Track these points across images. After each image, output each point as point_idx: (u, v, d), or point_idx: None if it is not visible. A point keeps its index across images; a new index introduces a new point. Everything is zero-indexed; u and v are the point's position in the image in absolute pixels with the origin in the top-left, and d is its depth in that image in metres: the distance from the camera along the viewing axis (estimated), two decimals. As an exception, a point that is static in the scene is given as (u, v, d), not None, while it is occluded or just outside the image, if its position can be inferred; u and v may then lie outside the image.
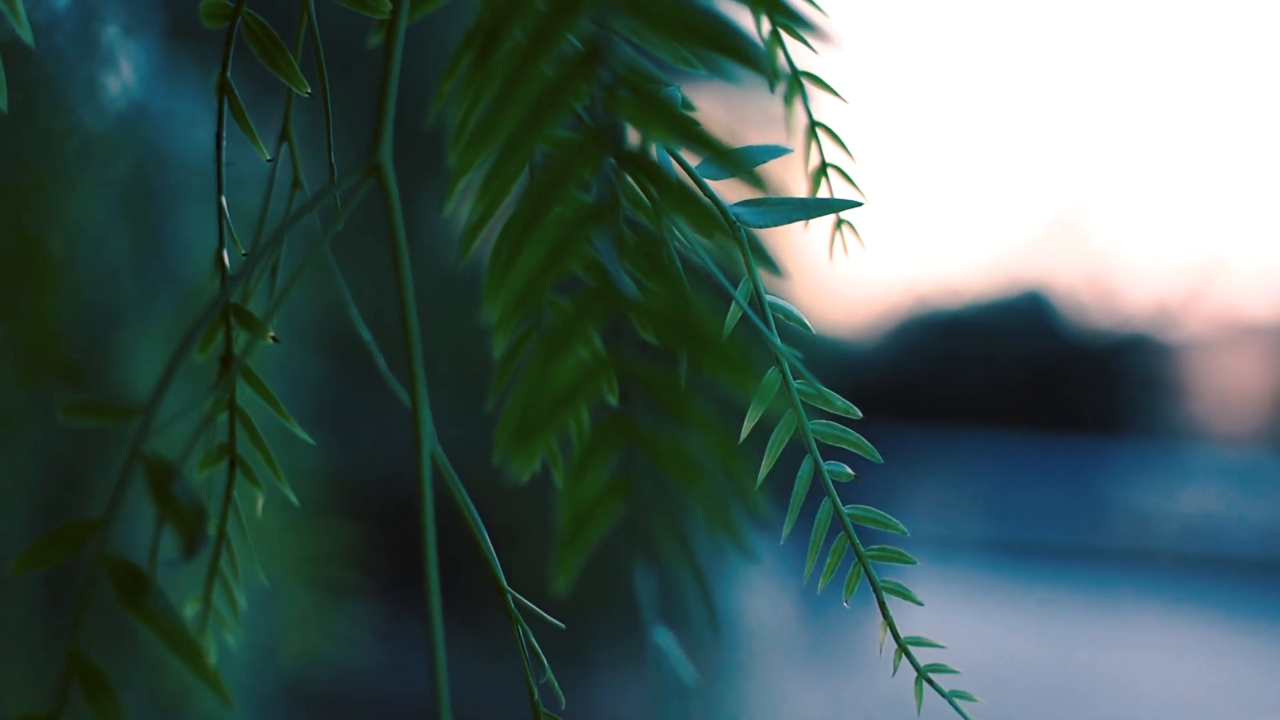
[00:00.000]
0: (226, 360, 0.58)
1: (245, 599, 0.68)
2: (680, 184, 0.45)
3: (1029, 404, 14.26)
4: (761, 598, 7.03)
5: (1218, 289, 17.65)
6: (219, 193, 0.62)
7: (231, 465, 0.63)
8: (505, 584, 0.53)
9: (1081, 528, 12.14)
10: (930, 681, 0.64)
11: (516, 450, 0.46)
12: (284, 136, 0.63)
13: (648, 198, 0.50)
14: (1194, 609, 9.79)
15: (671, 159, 0.58)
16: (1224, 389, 14.53)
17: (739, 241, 0.58)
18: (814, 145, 0.69)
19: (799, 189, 0.73)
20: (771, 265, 0.55)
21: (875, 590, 0.62)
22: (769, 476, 0.62)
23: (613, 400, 0.46)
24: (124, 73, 1.67)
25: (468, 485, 0.55)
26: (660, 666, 0.45)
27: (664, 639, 0.46)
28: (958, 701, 0.63)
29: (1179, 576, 10.83)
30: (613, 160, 0.47)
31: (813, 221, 0.70)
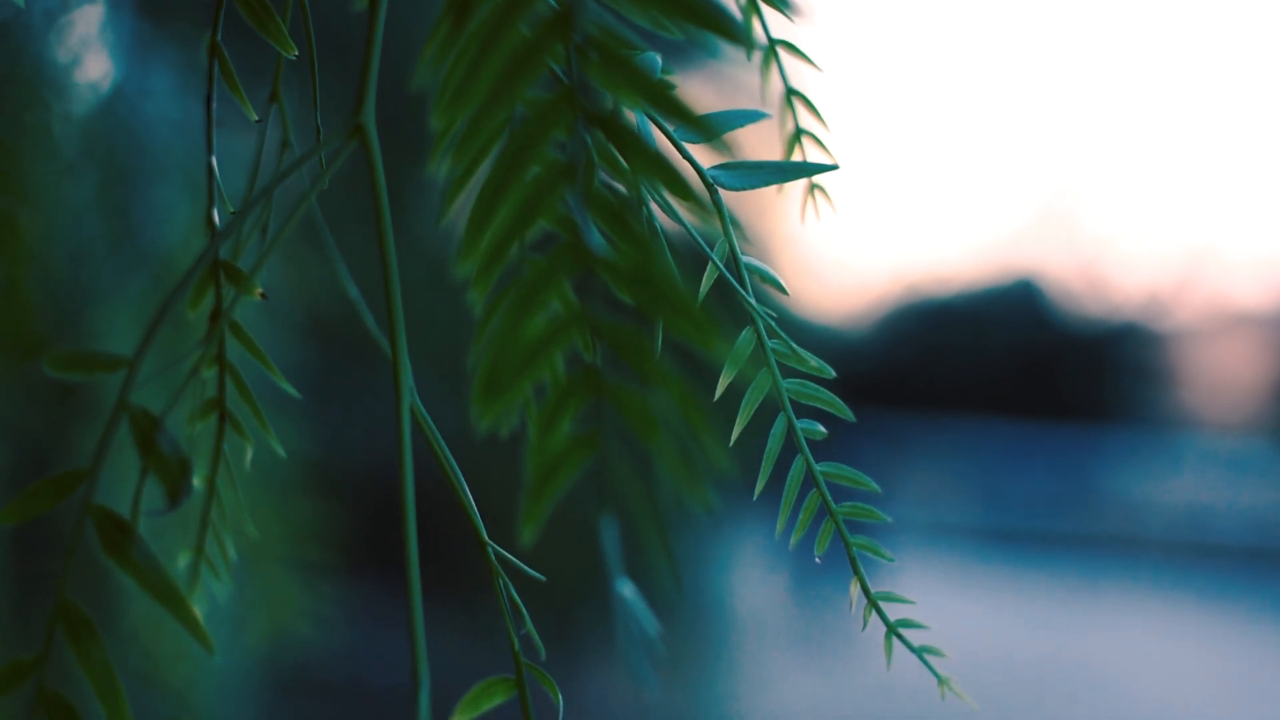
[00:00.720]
0: (215, 318, 0.59)
1: (233, 554, 0.69)
2: (648, 145, 0.46)
3: (1020, 392, 14.29)
4: (754, 585, 7.04)
5: (1208, 277, 17.68)
6: (209, 153, 0.63)
7: (221, 419, 0.64)
8: (485, 537, 0.54)
9: (1072, 515, 12.16)
10: (900, 636, 0.65)
11: (488, 401, 0.47)
12: (273, 98, 0.64)
13: (619, 159, 0.51)
14: (1183, 597, 9.81)
15: (651, 124, 0.59)
16: (1214, 377, 14.56)
17: (714, 205, 0.59)
18: (789, 113, 0.70)
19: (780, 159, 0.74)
20: (741, 231, 0.56)
21: (846, 546, 0.64)
22: (756, 455, 0.63)
23: (585, 355, 0.48)
24: (99, 50, 1.68)
25: (467, 474, 0.56)
26: (625, 617, 0.46)
27: (628, 590, 0.48)
28: (928, 658, 0.64)
29: (1168, 564, 10.85)
30: (585, 122, 0.48)
31: (804, 212, 0.72)
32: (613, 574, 0.46)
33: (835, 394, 0.63)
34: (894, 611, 0.65)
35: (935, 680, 0.65)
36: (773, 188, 0.62)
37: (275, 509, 1.79)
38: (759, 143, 0.65)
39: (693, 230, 0.56)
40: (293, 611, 1.83)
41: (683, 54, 0.58)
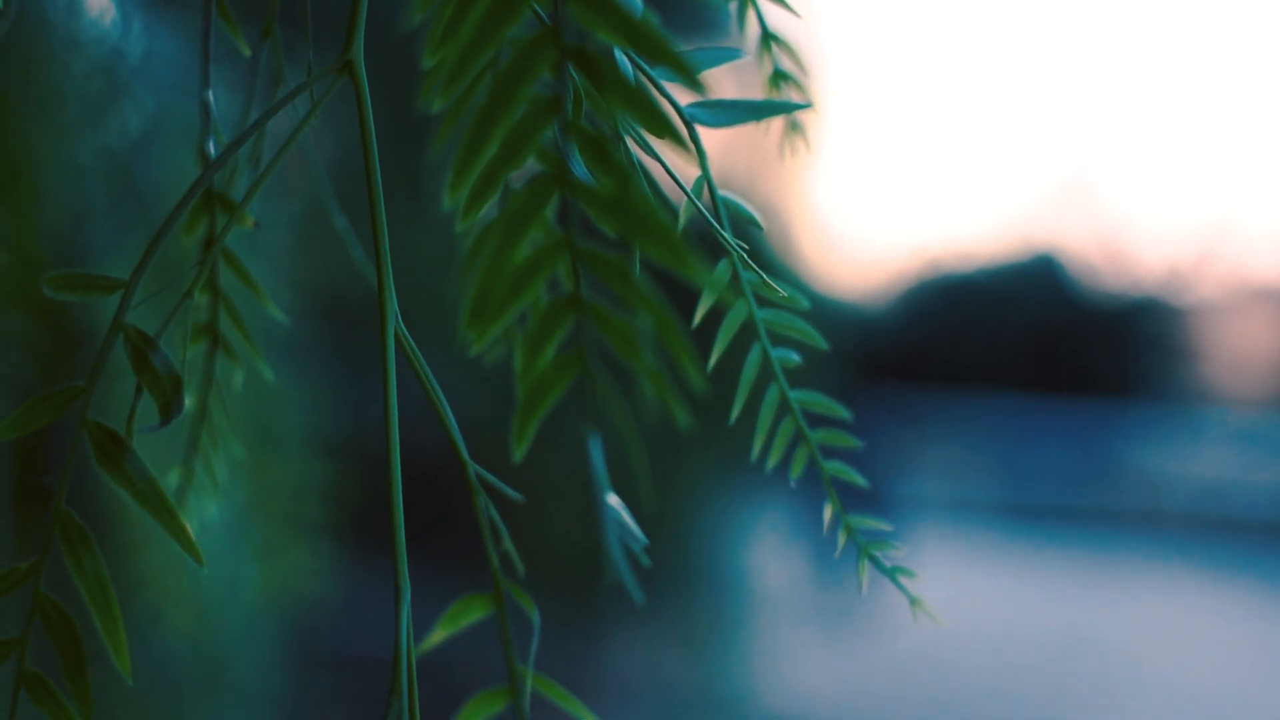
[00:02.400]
0: (209, 245, 0.62)
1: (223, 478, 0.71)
2: (624, 81, 0.48)
3: (1040, 367, 14.26)
4: (772, 562, 7.05)
5: (1229, 252, 17.63)
6: (204, 87, 0.65)
7: (213, 344, 0.66)
8: (466, 457, 0.56)
9: (1092, 491, 12.15)
10: (874, 559, 0.67)
11: (477, 326, 0.49)
12: (266, 34, 0.66)
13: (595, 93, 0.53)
14: (1204, 571, 9.80)
15: (630, 64, 0.61)
16: (1235, 352, 14.52)
17: (693, 142, 0.61)
18: (766, 55, 0.72)
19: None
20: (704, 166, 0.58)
21: (821, 470, 0.65)
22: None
23: (568, 281, 0.50)
24: (101, 11, 1.69)
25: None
26: (612, 526, 0.48)
27: (615, 502, 0.50)
28: (900, 579, 0.66)
29: (1189, 539, 10.84)
30: (570, 61, 0.50)
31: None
32: (599, 487, 0.48)
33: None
34: (902, 567, 0.67)
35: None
36: (775, 153, 0.64)
37: (278, 467, 1.81)
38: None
39: (671, 170, 0.58)
40: (294, 569, 1.85)
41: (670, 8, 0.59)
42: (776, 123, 0.71)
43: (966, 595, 8.38)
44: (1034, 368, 14.26)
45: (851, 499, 0.68)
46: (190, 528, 0.53)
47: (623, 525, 0.48)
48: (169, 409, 0.52)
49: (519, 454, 0.50)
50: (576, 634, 5.11)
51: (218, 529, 1.76)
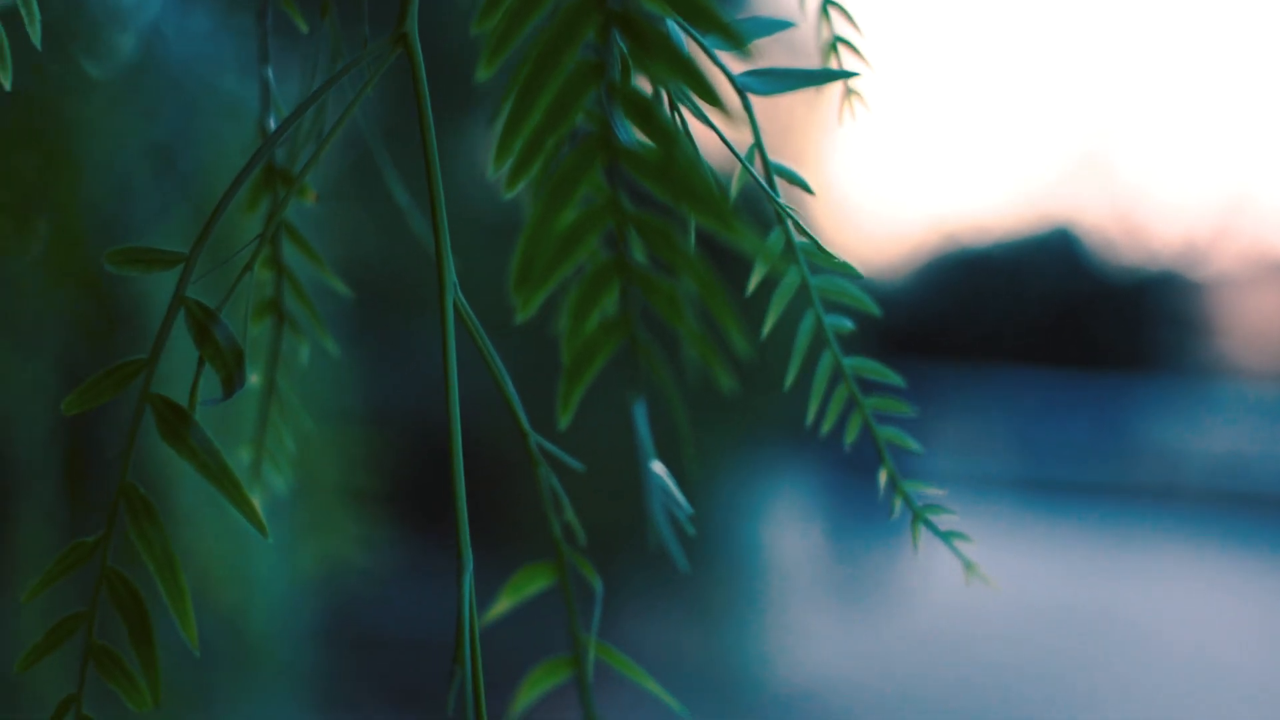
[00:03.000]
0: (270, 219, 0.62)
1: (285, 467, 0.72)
2: (672, 47, 0.48)
3: (1057, 341, 14.25)
4: (792, 536, 7.06)
5: (1246, 225, 17.59)
6: (263, 63, 0.65)
7: (279, 318, 0.67)
8: (526, 426, 0.56)
9: (1109, 465, 12.15)
10: (927, 523, 0.67)
11: (524, 289, 0.49)
12: (324, 11, 0.67)
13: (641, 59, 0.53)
14: (1221, 545, 9.80)
15: (681, 32, 0.61)
16: (1252, 325, 14.49)
17: (745, 110, 0.61)
18: (825, 22, 0.72)
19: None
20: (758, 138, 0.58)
21: (874, 436, 0.66)
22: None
23: (615, 244, 0.50)
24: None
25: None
26: (655, 494, 0.48)
27: (659, 469, 0.50)
28: (955, 543, 0.66)
29: (1205, 513, 10.84)
30: (615, 26, 0.50)
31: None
32: (644, 453, 0.49)
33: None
34: (945, 527, 0.67)
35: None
36: (809, 116, 0.64)
37: (329, 439, 1.82)
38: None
39: (724, 137, 0.58)
40: (344, 538, 1.86)
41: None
42: (818, 91, 0.71)
43: (984, 569, 8.37)
44: (1051, 342, 14.25)
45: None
46: (258, 502, 0.53)
47: (667, 493, 0.48)
48: (231, 382, 0.52)
49: (565, 420, 0.50)
50: (592, 609, 5.07)
51: (266, 500, 1.78)
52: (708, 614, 5.66)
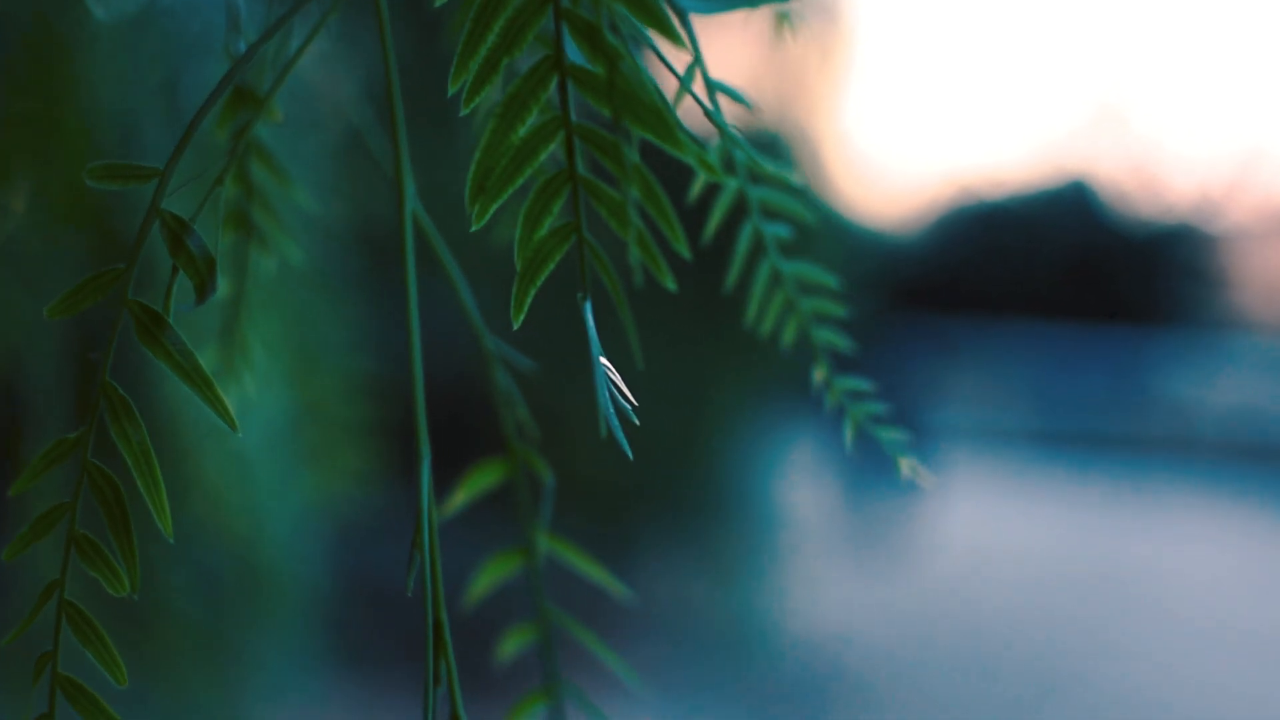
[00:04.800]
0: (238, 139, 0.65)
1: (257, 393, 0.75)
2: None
3: (1072, 294, 14.23)
4: (806, 490, 7.09)
5: (1262, 178, 17.53)
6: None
7: (247, 230, 0.70)
8: (483, 328, 0.60)
9: (1124, 418, 12.15)
10: (861, 422, 0.70)
11: (479, 200, 0.53)
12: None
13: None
14: (1235, 497, 9.81)
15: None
16: (1267, 278, 14.45)
17: (684, 30, 0.64)
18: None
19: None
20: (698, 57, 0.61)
21: (810, 340, 0.68)
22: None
23: (564, 158, 0.54)
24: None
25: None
26: (604, 386, 0.51)
27: (606, 364, 0.53)
28: (885, 436, 0.69)
29: (1220, 465, 10.84)
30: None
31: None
32: (593, 349, 0.52)
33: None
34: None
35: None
36: (805, 79, 0.67)
37: (327, 371, 1.84)
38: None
39: (664, 57, 0.61)
40: (343, 471, 1.87)
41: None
42: (800, 47, 0.74)
43: (998, 522, 8.41)
44: (1066, 294, 14.23)
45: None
46: (229, 401, 0.56)
47: (613, 385, 0.52)
48: (204, 289, 0.56)
49: (517, 321, 0.53)
50: (606, 563, 5.11)
51: (267, 432, 1.81)
52: (721, 567, 5.68)
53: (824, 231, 5.87)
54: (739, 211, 0.66)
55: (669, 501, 5.47)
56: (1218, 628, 6.23)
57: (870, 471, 7.52)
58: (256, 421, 1.77)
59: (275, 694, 2.24)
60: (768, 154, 0.63)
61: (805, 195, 0.66)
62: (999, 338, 13.25)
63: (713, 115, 0.59)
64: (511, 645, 0.65)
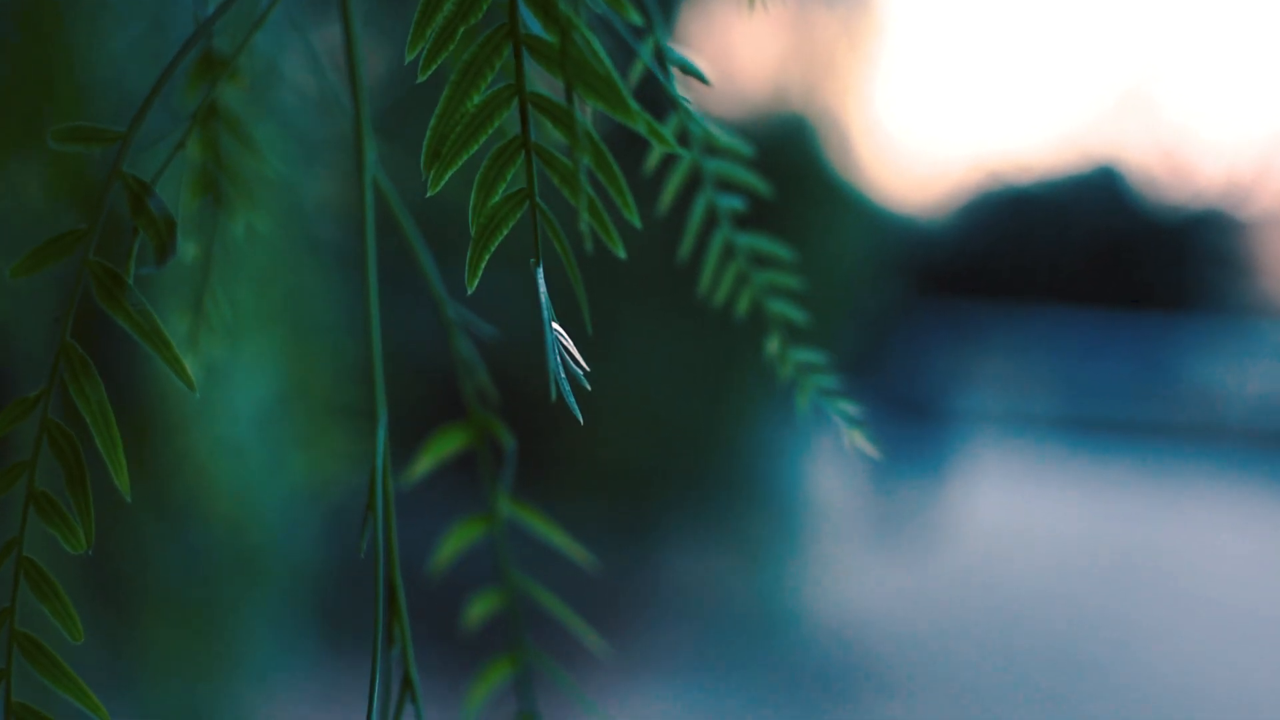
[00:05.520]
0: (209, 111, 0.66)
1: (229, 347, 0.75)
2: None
3: (1100, 280, 14.20)
4: (831, 475, 7.08)
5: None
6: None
7: (215, 194, 0.70)
8: (444, 295, 0.60)
9: (1151, 404, 12.12)
10: (811, 392, 0.70)
11: (435, 166, 0.53)
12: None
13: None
14: (1261, 484, 9.79)
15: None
16: (1296, 265, 14.41)
17: (638, 5, 0.64)
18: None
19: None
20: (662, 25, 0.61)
21: (765, 312, 0.69)
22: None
23: (518, 125, 0.54)
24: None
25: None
26: (554, 352, 0.52)
27: (559, 329, 0.54)
28: (840, 408, 0.69)
29: (1247, 452, 10.81)
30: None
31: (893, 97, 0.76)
32: (544, 314, 0.52)
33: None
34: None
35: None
36: (832, 65, 0.67)
37: (318, 353, 1.84)
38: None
39: (623, 31, 0.62)
40: (333, 453, 1.87)
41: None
42: (828, 32, 0.74)
43: (1024, 508, 8.41)
44: (1093, 281, 14.20)
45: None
46: (194, 366, 0.57)
47: (565, 350, 0.52)
48: (164, 250, 0.56)
49: (471, 286, 0.53)
50: (631, 547, 5.15)
51: (258, 414, 1.81)
52: (749, 551, 5.69)
53: (852, 216, 5.87)
54: (695, 184, 0.67)
55: (695, 485, 5.48)
56: (1244, 614, 6.22)
57: (897, 456, 7.52)
58: (247, 403, 1.77)
59: (265, 674, 2.25)
60: (794, 137, 0.64)
61: (755, 167, 0.66)
62: (1026, 323, 13.23)
63: (667, 86, 0.60)
64: (479, 610, 0.66)
